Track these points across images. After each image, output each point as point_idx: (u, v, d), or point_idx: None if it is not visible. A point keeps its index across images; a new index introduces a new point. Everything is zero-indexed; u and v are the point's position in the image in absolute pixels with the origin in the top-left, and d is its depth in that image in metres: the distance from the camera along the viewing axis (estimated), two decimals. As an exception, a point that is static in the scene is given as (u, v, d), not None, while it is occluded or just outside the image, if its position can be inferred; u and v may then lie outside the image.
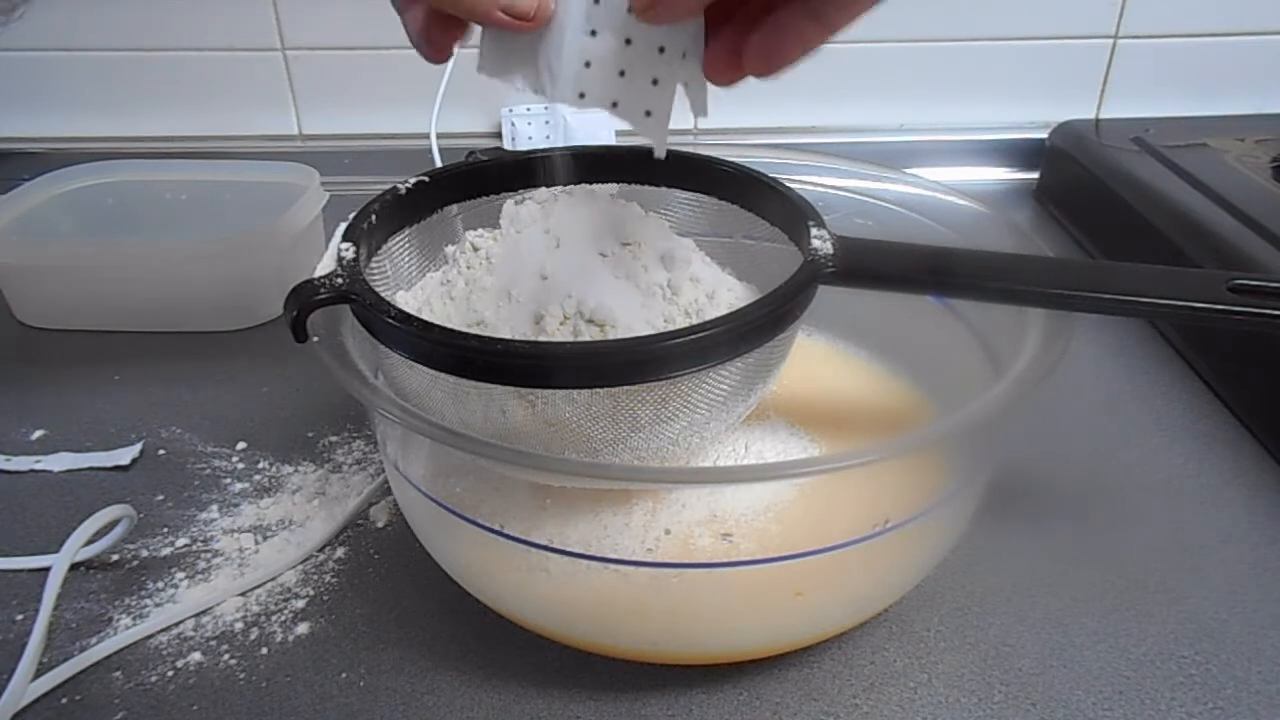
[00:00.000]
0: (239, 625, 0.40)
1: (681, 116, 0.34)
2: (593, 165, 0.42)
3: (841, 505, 0.39)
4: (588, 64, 0.32)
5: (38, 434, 0.52)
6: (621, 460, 0.35)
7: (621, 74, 0.33)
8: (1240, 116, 0.79)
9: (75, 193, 0.66)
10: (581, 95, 0.33)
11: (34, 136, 0.86)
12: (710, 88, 0.33)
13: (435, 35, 0.32)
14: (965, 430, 0.34)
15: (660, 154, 0.34)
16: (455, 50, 0.33)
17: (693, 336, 0.31)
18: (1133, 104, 0.84)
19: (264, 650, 0.39)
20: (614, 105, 0.33)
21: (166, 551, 0.44)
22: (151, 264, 0.60)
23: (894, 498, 0.36)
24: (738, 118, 0.84)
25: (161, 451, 0.50)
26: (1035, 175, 0.81)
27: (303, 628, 0.40)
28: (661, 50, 0.32)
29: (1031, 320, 0.36)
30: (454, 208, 0.41)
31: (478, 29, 0.33)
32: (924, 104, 0.84)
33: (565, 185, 0.41)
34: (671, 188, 0.42)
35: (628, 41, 0.32)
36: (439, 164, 0.77)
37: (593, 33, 0.32)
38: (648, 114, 0.33)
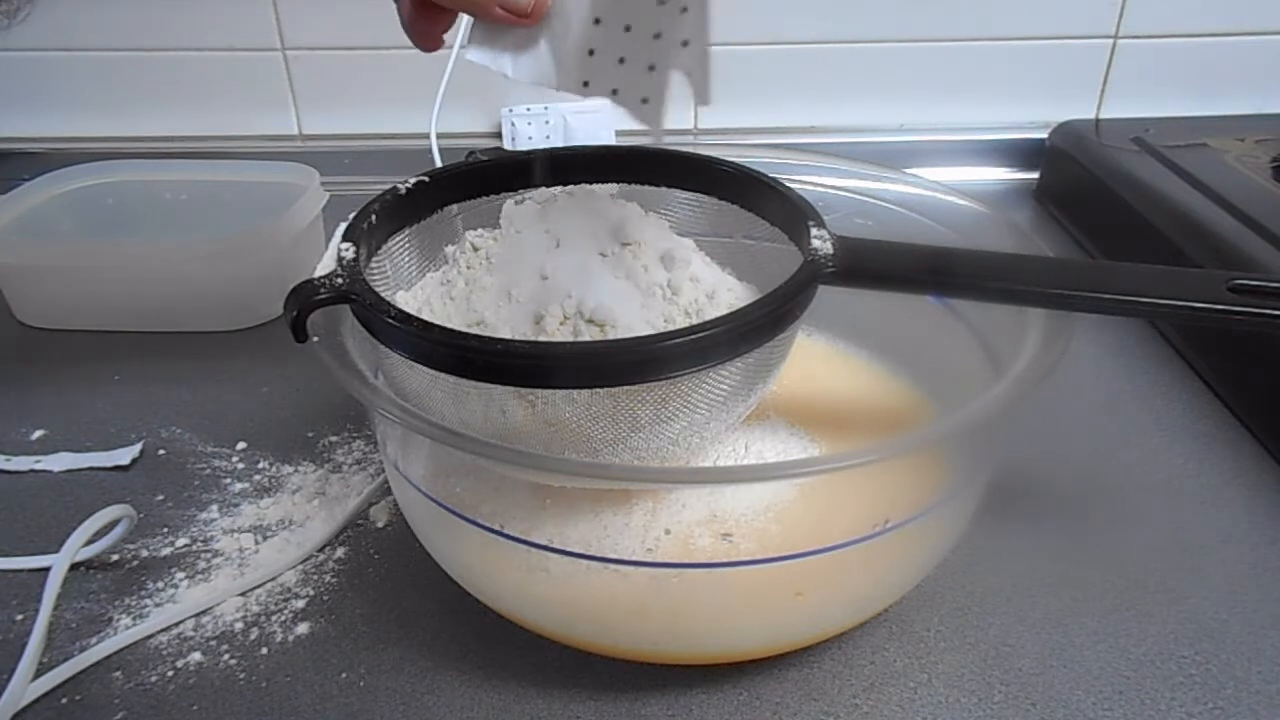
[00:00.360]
0: (239, 625, 0.40)
1: (682, 115, 0.34)
2: (593, 165, 0.42)
3: (841, 505, 0.39)
4: (591, 52, 0.32)
5: (38, 434, 0.52)
6: (621, 460, 0.35)
7: (621, 61, 0.32)
8: (1240, 116, 0.79)
9: (75, 193, 0.66)
10: (585, 84, 0.33)
11: (34, 136, 0.86)
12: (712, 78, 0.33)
13: (422, 25, 0.32)
14: (965, 430, 0.34)
15: (658, 140, 0.34)
16: (454, 44, 0.33)
17: (693, 336, 0.31)
18: (1133, 104, 0.84)
19: (264, 650, 0.39)
20: (614, 93, 0.33)
21: (166, 551, 0.44)
22: (151, 264, 0.60)
23: (894, 498, 0.36)
24: (738, 118, 0.83)
25: (161, 451, 0.50)
26: (1035, 175, 0.81)
27: (303, 628, 0.40)
28: (657, 36, 0.32)
29: (1031, 320, 0.36)
30: (454, 208, 0.41)
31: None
32: (924, 104, 0.84)
33: (565, 185, 0.41)
34: (671, 188, 0.42)
35: (627, 28, 0.32)
36: (439, 164, 0.77)
37: (597, 20, 0.32)
38: (644, 101, 0.33)
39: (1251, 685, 0.37)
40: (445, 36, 0.33)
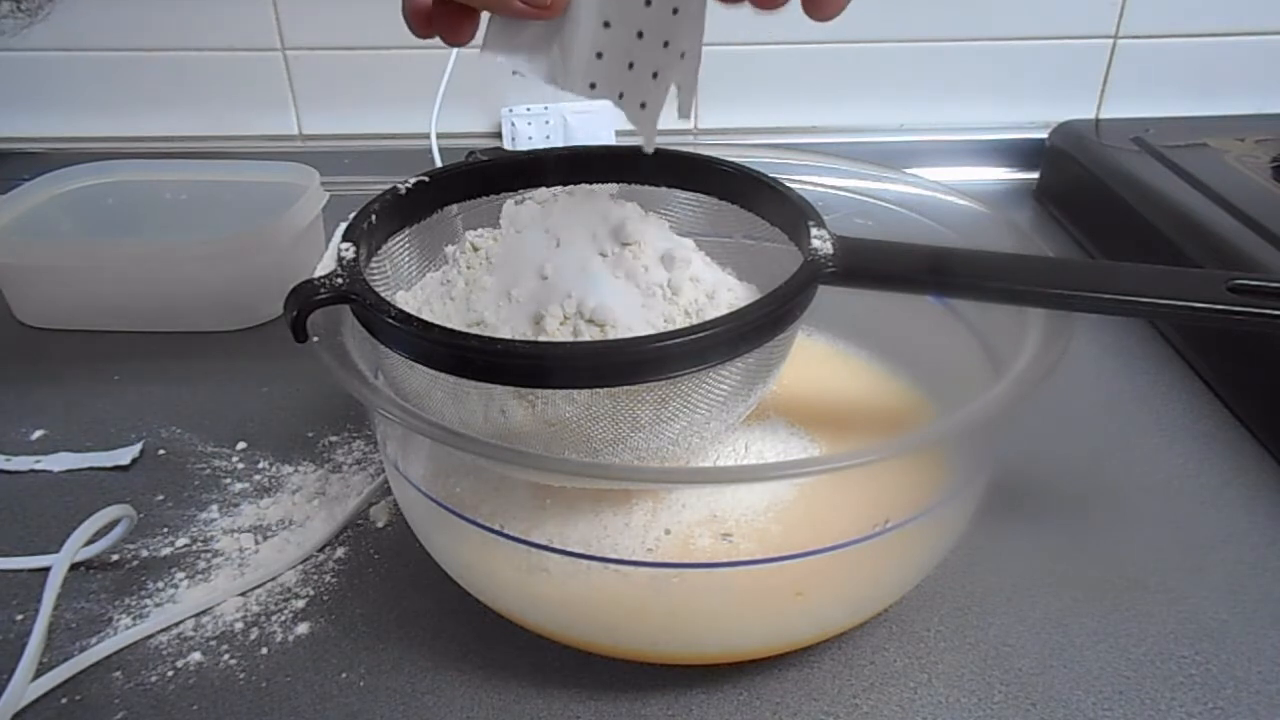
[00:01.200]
0: (239, 625, 0.40)
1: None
2: (593, 165, 0.42)
3: (841, 505, 0.39)
4: (600, 55, 0.32)
5: (38, 434, 0.52)
6: (621, 460, 0.35)
7: (630, 66, 0.32)
8: (1240, 116, 0.79)
9: (75, 193, 0.66)
10: (592, 86, 0.33)
11: (34, 136, 0.86)
12: (700, 88, 0.33)
13: (449, 22, 0.32)
14: (965, 430, 0.34)
15: (649, 148, 0.34)
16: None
17: (693, 336, 0.31)
18: (1133, 104, 0.84)
19: (264, 650, 0.39)
20: (620, 97, 0.33)
21: (166, 551, 0.44)
22: (151, 264, 0.60)
23: (894, 498, 0.36)
24: (738, 118, 0.83)
25: (161, 451, 0.50)
26: (1035, 175, 0.81)
27: (303, 628, 0.40)
28: (666, 44, 0.32)
29: (1031, 320, 0.36)
30: (454, 208, 0.41)
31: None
32: (924, 104, 0.84)
33: (565, 185, 0.41)
34: (671, 188, 0.42)
35: (639, 35, 0.32)
36: (439, 164, 0.77)
37: (606, 24, 0.32)
38: (643, 106, 0.33)
39: (1251, 685, 0.37)
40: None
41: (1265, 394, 0.50)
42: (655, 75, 0.33)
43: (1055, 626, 0.39)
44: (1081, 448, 0.50)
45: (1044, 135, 0.80)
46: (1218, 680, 0.37)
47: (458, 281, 0.37)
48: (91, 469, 0.49)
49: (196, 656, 0.38)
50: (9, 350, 0.60)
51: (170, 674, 0.38)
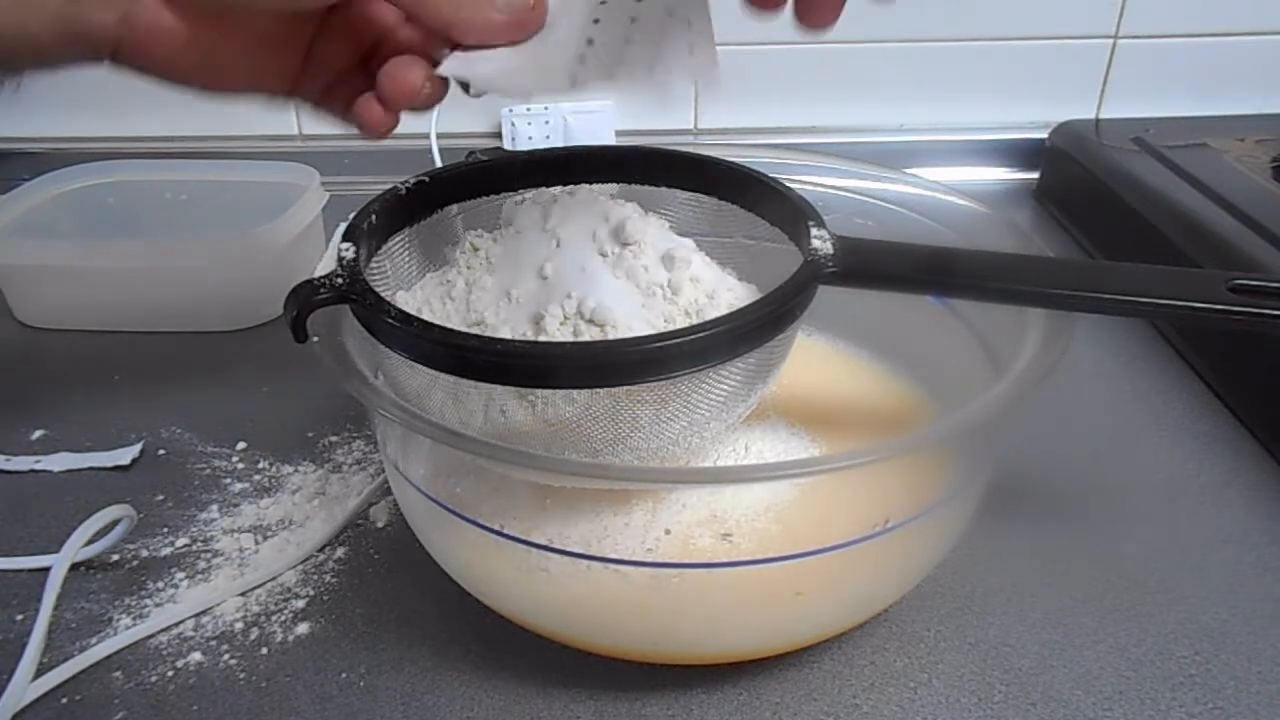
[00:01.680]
0: (239, 625, 0.40)
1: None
2: (593, 165, 0.42)
3: (841, 505, 0.39)
4: (582, 59, 0.32)
5: (38, 434, 0.52)
6: (621, 460, 0.35)
7: (627, 41, 0.32)
8: (1240, 116, 0.79)
9: (75, 193, 0.66)
10: (573, 82, 0.33)
11: (34, 136, 0.86)
12: (701, 87, 0.33)
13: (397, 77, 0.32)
14: (965, 430, 0.34)
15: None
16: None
17: (693, 336, 0.31)
18: (1133, 104, 0.84)
19: (264, 650, 0.39)
20: (612, 75, 0.33)
21: (166, 551, 0.44)
22: (151, 264, 0.60)
23: (894, 498, 0.36)
24: (738, 118, 0.83)
25: (161, 451, 0.50)
26: (1035, 175, 0.81)
27: (303, 628, 0.40)
28: (670, 12, 0.32)
29: (1031, 320, 0.36)
30: (454, 208, 0.41)
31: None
32: (924, 104, 0.84)
33: (565, 185, 0.41)
34: (671, 188, 0.42)
35: (633, 20, 0.32)
36: (439, 164, 0.77)
37: (589, 41, 0.32)
38: (650, 69, 0.32)
39: (1251, 685, 0.37)
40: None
41: (1265, 394, 0.50)
42: (669, 12, 0.31)
43: (1055, 626, 0.39)
44: (1081, 448, 0.50)
45: (1044, 135, 0.80)
46: (1218, 680, 0.37)
47: (458, 282, 0.37)
48: (91, 469, 0.49)
49: (196, 656, 0.38)
50: (9, 350, 0.60)
51: (170, 674, 0.38)
